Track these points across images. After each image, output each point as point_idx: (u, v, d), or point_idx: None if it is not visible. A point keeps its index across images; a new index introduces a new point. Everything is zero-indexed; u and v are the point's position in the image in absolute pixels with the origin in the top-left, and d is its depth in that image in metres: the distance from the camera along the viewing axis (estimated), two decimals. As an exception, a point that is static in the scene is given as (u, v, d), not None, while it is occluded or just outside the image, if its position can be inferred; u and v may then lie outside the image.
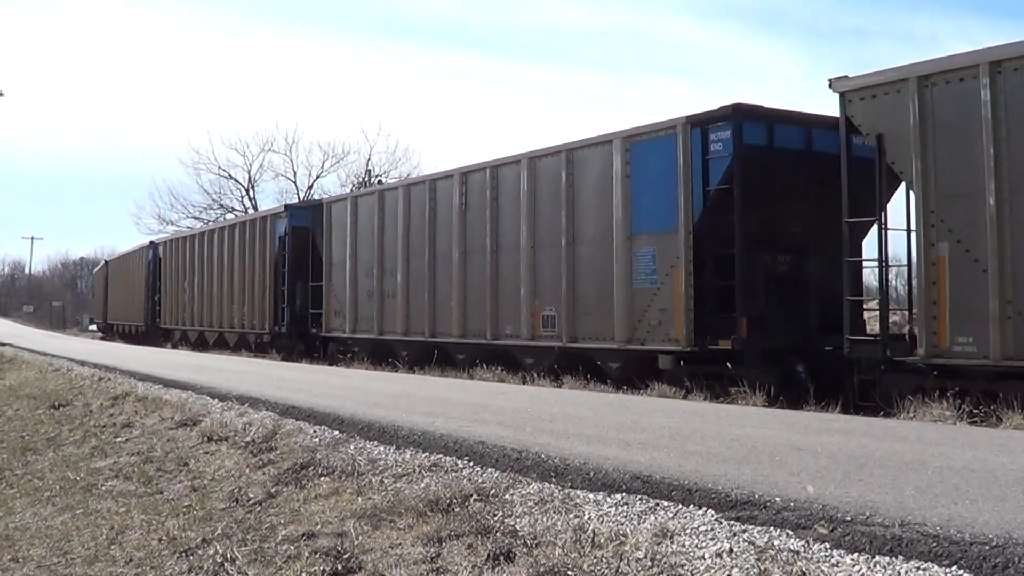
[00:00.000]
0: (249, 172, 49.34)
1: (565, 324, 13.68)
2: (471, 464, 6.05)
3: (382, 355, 17.79)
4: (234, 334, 24.90)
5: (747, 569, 3.77)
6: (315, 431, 7.96)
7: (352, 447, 7.15)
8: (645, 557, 4.05)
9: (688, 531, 4.27)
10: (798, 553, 3.81)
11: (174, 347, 29.28)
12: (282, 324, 21.73)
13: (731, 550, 3.98)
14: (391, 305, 17.82)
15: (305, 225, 20.93)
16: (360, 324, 18.80)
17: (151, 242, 34.67)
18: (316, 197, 38.60)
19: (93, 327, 51.93)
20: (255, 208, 46.09)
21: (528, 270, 14.47)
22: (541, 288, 14.27)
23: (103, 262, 40.93)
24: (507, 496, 5.28)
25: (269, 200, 48.69)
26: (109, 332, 39.62)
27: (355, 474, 6.40)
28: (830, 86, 10.54)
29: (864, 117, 10.22)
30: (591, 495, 5.01)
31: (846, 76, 10.46)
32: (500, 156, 15.60)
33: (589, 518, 4.65)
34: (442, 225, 16.50)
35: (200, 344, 27.47)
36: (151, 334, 32.16)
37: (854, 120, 10.30)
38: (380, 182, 34.48)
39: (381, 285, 18.07)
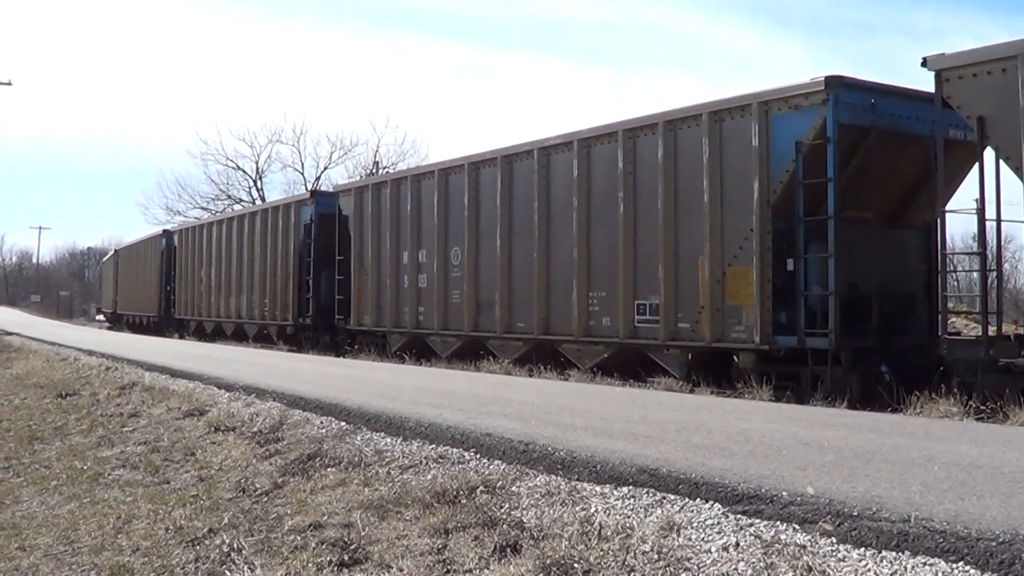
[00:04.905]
0: (257, 163, 49.49)
1: (258, 310, 24.19)
2: (478, 456, 6.06)
3: (202, 331, 29.23)
4: (144, 316, 36.28)
5: (754, 563, 3.77)
6: (322, 422, 7.98)
7: (359, 438, 7.17)
8: (652, 550, 4.06)
9: (695, 524, 4.27)
10: (804, 547, 3.81)
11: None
12: (162, 310, 33.82)
13: (738, 544, 3.98)
14: (204, 297, 28.72)
15: (173, 244, 32.57)
16: (190, 309, 30.22)
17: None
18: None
19: (100, 317, 52.08)
20: (263, 199, 46.21)
21: (237, 277, 25.76)
22: (245, 288, 25.24)
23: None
24: (514, 488, 5.28)
25: (276, 191, 48.85)
26: (118, 322, 40.77)
27: (362, 465, 6.42)
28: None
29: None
30: (598, 488, 5.01)
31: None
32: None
33: (596, 511, 4.65)
34: (233, 252, 26.41)
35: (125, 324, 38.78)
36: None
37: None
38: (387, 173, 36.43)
39: (200, 286, 29.19)
